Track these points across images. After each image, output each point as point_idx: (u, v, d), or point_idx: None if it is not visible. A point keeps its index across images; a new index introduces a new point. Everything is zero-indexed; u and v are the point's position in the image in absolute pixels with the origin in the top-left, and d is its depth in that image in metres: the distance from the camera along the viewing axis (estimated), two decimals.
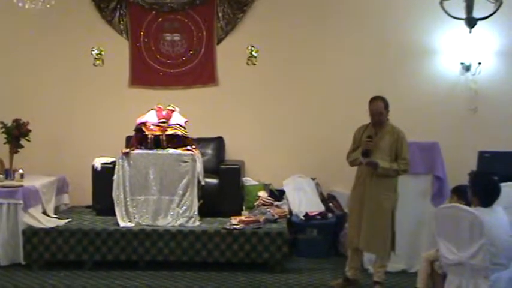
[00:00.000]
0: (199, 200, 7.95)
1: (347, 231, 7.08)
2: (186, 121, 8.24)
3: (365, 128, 6.91)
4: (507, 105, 9.13)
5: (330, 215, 8.54)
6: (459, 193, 6.25)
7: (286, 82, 9.41)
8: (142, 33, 9.49)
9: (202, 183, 8.09)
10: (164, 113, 8.22)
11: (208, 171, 8.41)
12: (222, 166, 8.67)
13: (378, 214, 6.68)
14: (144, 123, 8.12)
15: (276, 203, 8.70)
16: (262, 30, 9.41)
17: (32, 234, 7.64)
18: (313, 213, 8.47)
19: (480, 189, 5.45)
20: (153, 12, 9.46)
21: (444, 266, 5.55)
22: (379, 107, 6.73)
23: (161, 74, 9.51)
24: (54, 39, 9.48)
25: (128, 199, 7.85)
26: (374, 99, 6.79)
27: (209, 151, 8.95)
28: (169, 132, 8.07)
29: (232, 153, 9.31)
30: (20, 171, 8.27)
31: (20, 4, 7.60)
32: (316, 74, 9.36)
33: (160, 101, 8.46)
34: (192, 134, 8.30)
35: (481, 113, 9.10)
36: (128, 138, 8.54)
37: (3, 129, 8.54)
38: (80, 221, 8.07)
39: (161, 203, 7.85)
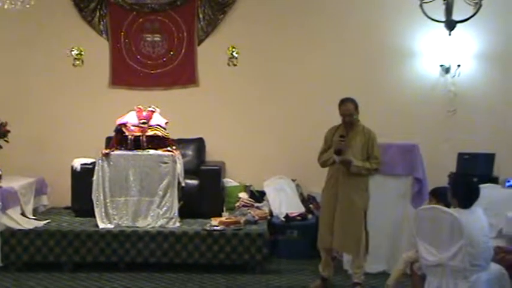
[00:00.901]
0: (179, 201, 7.93)
1: (319, 231, 7.11)
2: (167, 122, 8.22)
3: (336, 129, 6.99)
4: (486, 107, 9.21)
5: (310, 216, 8.55)
6: (437, 195, 6.28)
7: (267, 83, 9.43)
8: (122, 33, 9.46)
9: (183, 184, 8.07)
10: (144, 113, 8.19)
11: (188, 173, 8.39)
12: (203, 167, 8.66)
13: (351, 213, 6.74)
14: (124, 124, 8.08)
15: (257, 204, 8.71)
16: (243, 31, 9.42)
17: (10, 236, 7.57)
18: (294, 215, 8.48)
19: (460, 191, 5.48)
20: (134, 12, 9.44)
21: (423, 267, 5.57)
22: (349, 109, 6.83)
23: (141, 74, 9.49)
24: (34, 40, 9.42)
25: (107, 200, 7.81)
26: (344, 101, 6.89)
27: (189, 152, 8.93)
28: (150, 133, 8.05)
29: (212, 154, 9.30)
30: None
31: None
32: (297, 75, 9.39)
33: (140, 101, 8.43)
34: (173, 135, 8.27)
35: (460, 114, 9.17)
36: (108, 139, 8.49)
37: None
38: (59, 223, 8.02)
39: (141, 204, 7.82)
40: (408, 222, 7.25)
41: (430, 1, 8.08)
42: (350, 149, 6.73)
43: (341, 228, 6.74)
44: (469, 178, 5.68)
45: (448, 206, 5.64)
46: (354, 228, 6.72)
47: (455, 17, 8.34)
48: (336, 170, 6.83)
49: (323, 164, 6.98)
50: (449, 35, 8.52)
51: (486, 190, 5.86)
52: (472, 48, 9.14)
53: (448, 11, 8.24)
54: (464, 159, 8.44)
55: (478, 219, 5.32)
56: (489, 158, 8.41)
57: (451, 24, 8.34)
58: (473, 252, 5.16)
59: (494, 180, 8.05)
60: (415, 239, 5.60)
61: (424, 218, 5.52)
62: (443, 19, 8.39)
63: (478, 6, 7.98)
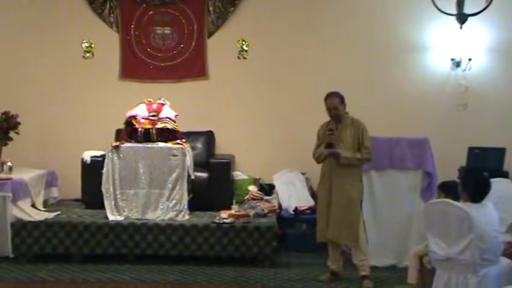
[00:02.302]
0: (189, 194, 7.94)
1: (317, 225, 7.12)
2: (176, 115, 8.23)
3: (327, 124, 7.06)
4: (497, 101, 9.17)
5: None
6: (446, 189, 6.27)
7: (277, 76, 9.41)
8: (132, 26, 9.46)
9: (192, 177, 8.09)
10: (154, 106, 8.20)
11: (198, 165, 8.41)
12: (212, 160, 8.67)
13: (346, 204, 6.80)
14: (134, 117, 8.10)
15: (266, 197, 8.70)
16: (253, 25, 9.40)
17: (20, 227, 7.61)
18: (303, 208, 8.49)
19: (471, 185, 5.45)
20: (144, 5, 9.43)
21: (433, 261, 5.56)
22: (333, 102, 6.89)
23: (151, 67, 9.48)
24: (44, 31, 9.42)
25: (117, 192, 7.83)
26: (329, 96, 6.96)
27: (199, 145, 8.94)
28: (160, 125, 8.06)
29: (222, 147, 9.31)
30: (9, 163, 8.21)
31: None
32: (307, 69, 9.37)
33: (150, 94, 8.44)
34: (182, 127, 8.28)
35: (471, 108, 9.14)
36: (118, 132, 8.51)
37: None
38: (69, 214, 8.04)
39: (151, 197, 7.83)
40: (418, 216, 7.25)
41: None
42: (341, 142, 6.81)
43: (336, 219, 6.82)
44: (479, 172, 5.63)
45: (456, 199, 5.62)
46: (348, 218, 6.80)
47: (467, 10, 8.28)
48: (329, 163, 6.92)
49: (317, 160, 7.06)
50: (461, 28, 8.47)
51: (496, 184, 5.82)
52: (483, 42, 9.10)
53: (460, 4, 8.19)
54: (474, 153, 8.40)
55: (488, 214, 5.30)
56: (500, 153, 8.38)
57: (462, 18, 8.29)
58: (482, 247, 5.14)
59: (505, 175, 8.00)
60: (425, 232, 5.59)
61: (433, 212, 5.50)
62: (455, 12, 8.34)
63: (490, 0, 7.93)
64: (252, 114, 9.42)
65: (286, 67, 9.38)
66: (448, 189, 6.18)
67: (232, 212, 7.93)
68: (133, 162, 7.85)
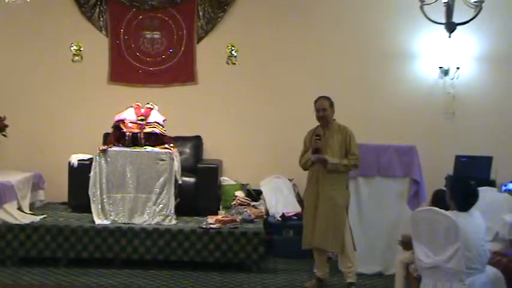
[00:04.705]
0: (176, 199, 7.93)
1: (303, 232, 7.12)
2: (165, 119, 8.23)
3: (314, 131, 7.06)
4: (484, 110, 9.21)
5: None
6: (437, 199, 6.27)
7: (266, 82, 9.43)
8: (122, 30, 9.46)
9: (180, 181, 8.08)
10: (143, 110, 8.20)
11: (185, 170, 8.40)
12: (200, 165, 8.66)
13: (332, 210, 6.79)
14: (122, 121, 8.09)
15: (253, 203, 8.71)
16: (242, 30, 9.42)
17: (6, 230, 7.57)
18: (290, 214, 8.50)
19: (458, 194, 5.47)
20: (134, 9, 9.44)
21: (419, 269, 5.57)
22: (323, 104, 6.93)
23: (140, 71, 9.48)
24: (33, 34, 9.41)
25: (104, 196, 7.81)
26: (319, 98, 7.00)
27: (187, 150, 8.95)
28: (147, 130, 8.06)
29: (210, 152, 9.30)
30: None
31: None
32: (296, 75, 9.39)
33: (139, 98, 8.44)
34: (170, 132, 8.28)
35: (458, 117, 9.18)
36: (106, 135, 8.49)
37: None
38: (56, 218, 8.01)
39: (138, 201, 7.82)
40: (404, 223, 7.26)
41: (431, 3, 8.07)
42: (328, 148, 6.82)
43: (323, 226, 6.80)
44: (468, 181, 5.65)
45: (447, 209, 5.63)
46: (335, 225, 6.79)
47: (456, 19, 8.33)
48: (316, 170, 6.92)
49: (304, 166, 7.07)
50: (449, 37, 8.51)
51: (483, 193, 5.84)
52: (472, 51, 9.15)
53: (449, 13, 8.24)
54: (461, 161, 8.43)
55: (475, 222, 5.32)
56: (487, 161, 8.40)
57: (451, 27, 8.34)
58: (469, 256, 5.16)
59: (492, 184, 8.04)
60: (412, 240, 5.60)
61: (420, 219, 5.51)
62: (444, 21, 8.38)
63: (479, 9, 7.97)
64: (240, 119, 9.43)
65: (275, 73, 9.41)
66: (438, 199, 6.17)
67: (219, 217, 7.93)
68: (120, 166, 7.83)
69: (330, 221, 6.78)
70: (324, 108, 6.89)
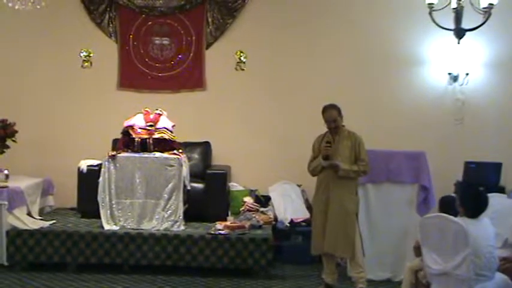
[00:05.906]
0: (184, 205, 7.94)
1: (312, 238, 7.12)
2: (174, 125, 8.24)
3: (323, 137, 7.07)
4: (493, 116, 9.19)
5: None
6: (444, 205, 6.25)
7: (274, 88, 9.43)
8: (131, 36, 9.48)
9: (188, 187, 8.08)
10: (152, 116, 8.21)
11: (194, 176, 8.41)
12: (209, 171, 8.67)
13: (343, 216, 6.80)
14: (131, 126, 8.10)
15: (262, 209, 8.70)
16: (251, 36, 9.43)
17: (16, 235, 7.60)
18: (299, 220, 8.49)
19: (468, 201, 5.45)
20: (143, 15, 9.46)
21: (428, 275, 5.55)
22: (332, 115, 6.91)
23: (149, 77, 9.50)
24: (43, 41, 9.45)
25: (113, 202, 7.82)
26: (326, 108, 6.98)
27: (196, 156, 8.96)
28: (156, 136, 8.06)
29: (218, 158, 9.30)
30: (5, 171, 8.17)
31: (10, 4, 7.60)
32: (304, 81, 9.39)
33: (148, 104, 8.45)
34: (179, 138, 8.29)
35: (467, 123, 9.15)
36: (115, 141, 8.51)
37: None
38: (65, 223, 8.03)
39: (146, 207, 7.83)
40: (413, 230, 7.24)
41: (440, 9, 8.06)
42: (338, 154, 6.82)
43: (334, 232, 6.80)
44: (477, 188, 5.63)
45: (455, 215, 5.61)
46: (346, 230, 6.78)
47: (465, 25, 8.30)
48: (326, 176, 6.91)
49: (313, 172, 7.07)
50: (458, 43, 8.49)
51: (492, 199, 5.82)
52: (481, 57, 9.13)
53: (458, 19, 8.21)
54: (471, 168, 8.41)
55: (484, 229, 5.30)
56: (496, 168, 8.38)
57: (460, 33, 8.31)
58: (478, 262, 5.14)
59: (501, 190, 8.01)
60: (421, 247, 5.58)
61: (429, 226, 5.50)
62: (453, 27, 8.36)
63: (488, 15, 7.95)
64: (249, 125, 9.43)
65: (283, 79, 9.41)
66: (446, 205, 6.15)
67: (228, 223, 7.93)
68: (129, 172, 7.85)
69: (341, 226, 6.78)
70: (334, 119, 6.89)
